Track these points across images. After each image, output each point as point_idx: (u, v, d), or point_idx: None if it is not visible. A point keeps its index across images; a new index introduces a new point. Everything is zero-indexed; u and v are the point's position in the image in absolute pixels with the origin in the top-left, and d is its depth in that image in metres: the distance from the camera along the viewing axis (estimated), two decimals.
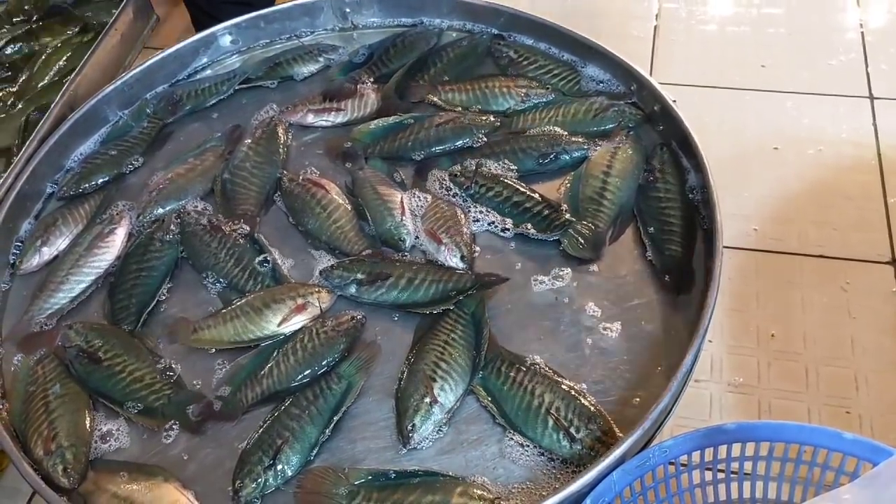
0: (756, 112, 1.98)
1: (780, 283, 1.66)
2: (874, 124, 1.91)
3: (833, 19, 2.18)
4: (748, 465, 1.04)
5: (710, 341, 1.56)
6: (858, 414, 1.46)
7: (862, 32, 2.13)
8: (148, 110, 1.49)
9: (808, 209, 1.77)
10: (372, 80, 1.49)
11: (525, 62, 1.47)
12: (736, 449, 1.01)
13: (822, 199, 1.78)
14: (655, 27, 2.19)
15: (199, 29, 2.04)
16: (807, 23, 2.18)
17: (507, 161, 1.31)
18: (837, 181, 1.81)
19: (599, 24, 2.17)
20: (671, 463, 1.01)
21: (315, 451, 1.06)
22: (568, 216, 1.24)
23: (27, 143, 1.38)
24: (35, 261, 1.29)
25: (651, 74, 2.04)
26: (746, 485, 1.06)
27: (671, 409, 1.06)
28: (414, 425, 1.05)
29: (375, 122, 1.41)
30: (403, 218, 1.26)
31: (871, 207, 1.75)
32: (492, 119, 1.38)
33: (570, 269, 1.20)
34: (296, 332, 1.16)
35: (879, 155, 1.84)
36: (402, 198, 1.29)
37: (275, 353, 1.14)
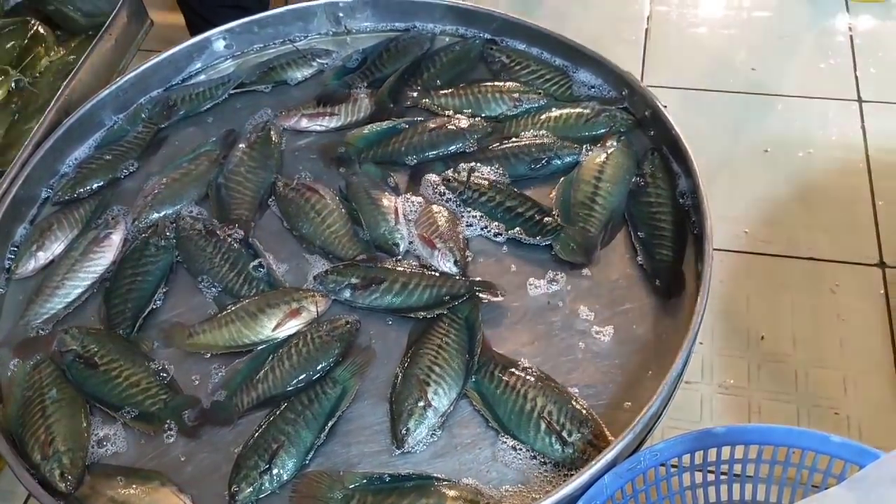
0: (746, 115, 2.00)
1: (770, 285, 1.68)
2: (862, 127, 1.93)
3: (822, 23, 2.20)
4: (738, 468, 1.06)
5: (700, 343, 1.58)
6: (847, 415, 1.48)
7: (851, 36, 2.15)
8: (143, 115, 1.49)
9: (797, 212, 1.79)
10: (365, 84, 1.49)
11: (517, 67, 1.48)
12: (725, 452, 1.03)
13: (812, 201, 1.81)
14: (647, 30, 2.21)
15: (193, 32, 2.05)
16: (796, 26, 2.21)
17: (499, 166, 1.32)
18: (827, 184, 1.84)
19: (591, 27, 2.20)
20: (662, 465, 1.03)
21: (310, 456, 1.07)
22: (559, 221, 1.25)
23: (22, 147, 1.38)
24: (30, 265, 1.30)
25: (642, 77, 2.07)
26: (736, 487, 1.08)
27: (662, 413, 1.08)
28: (408, 429, 1.06)
29: (369, 126, 1.41)
30: (397, 223, 1.27)
31: (860, 210, 1.77)
32: (484, 124, 1.39)
33: (563, 274, 1.21)
34: (291, 337, 1.17)
35: (868, 158, 1.87)
36: (395, 203, 1.30)
37: (270, 358, 1.15)
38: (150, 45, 1.77)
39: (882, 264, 1.68)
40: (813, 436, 0.99)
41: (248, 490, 1.03)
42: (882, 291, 1.63)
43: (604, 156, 1.31)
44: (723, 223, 1.75)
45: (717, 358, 1.58)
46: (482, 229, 1.27)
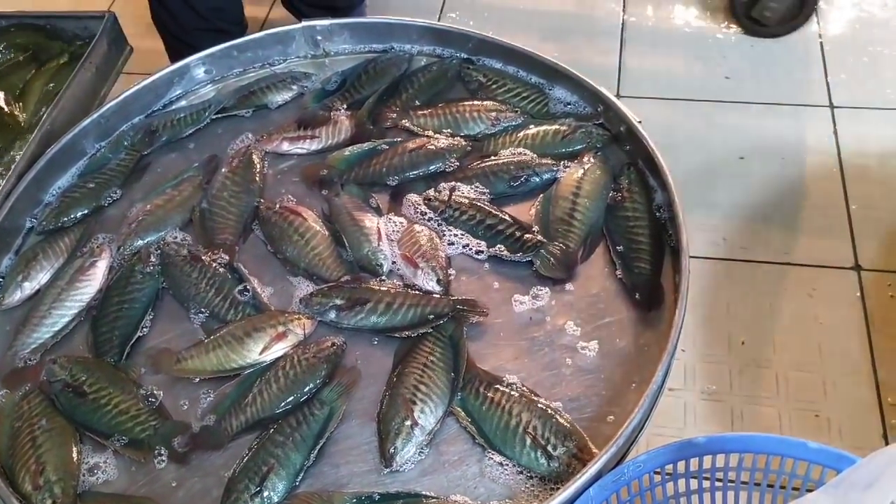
0: (722, 122, 2.04)
1: (750, 291, 1.71)
2: (835, 132, 1.97)
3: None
4: (720, 476, 1.08)
5: (682, 350, 1.60)
6: (827, 417, 1.51)
7: (821, 43, 2.19)
8: (125, 142, 1.50)
9: (774, 217, 1.82)
10: (345, 106, 1.51)
11: (494, 86, 1.50)
12: (707, 461, 1.05)
13: (788, 207, 1.84)
14: (622, 42, 2.23)
15: (172, 56, 2.06)
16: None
17: (479, 184, 1.34)
18: (802, 189, 1.87)
19: (567, 40, 2.22)
20: (646, 475, 1.05)
21: (300, 477, 1.08)
22: (539, 237, 1.27)
23: (6, 179, 1.39)
24: (17, 296, 1.30)
25: (619, 88, 2.10)
26: (718, 495, 1.10)
27: (644, 423, 1.09)
28: (396, 448, 1.07)
29: (350, 148, 1.43)
30: (380, 243, 1.29)
31: (835, 214, 1.81)
32: (463, 143, 1.41)
33: (544, 289, 1.23)
34: (278, 360, 1.18)
35: (841, 162, 1.90)
36: (378, 223, 1.31)
37: (258, 381, 1.16)
38: (130, 67, 1.78)
39: (857, 267, 1.71)
40: (791, 443, 1.01)
41: None
42: (858, 294, 1.67)
43: (581, 172, 1.33)
44: (701, 231, 1.78)
45: (700, 364, 1.60)
46: (464, 247, 1.29)
